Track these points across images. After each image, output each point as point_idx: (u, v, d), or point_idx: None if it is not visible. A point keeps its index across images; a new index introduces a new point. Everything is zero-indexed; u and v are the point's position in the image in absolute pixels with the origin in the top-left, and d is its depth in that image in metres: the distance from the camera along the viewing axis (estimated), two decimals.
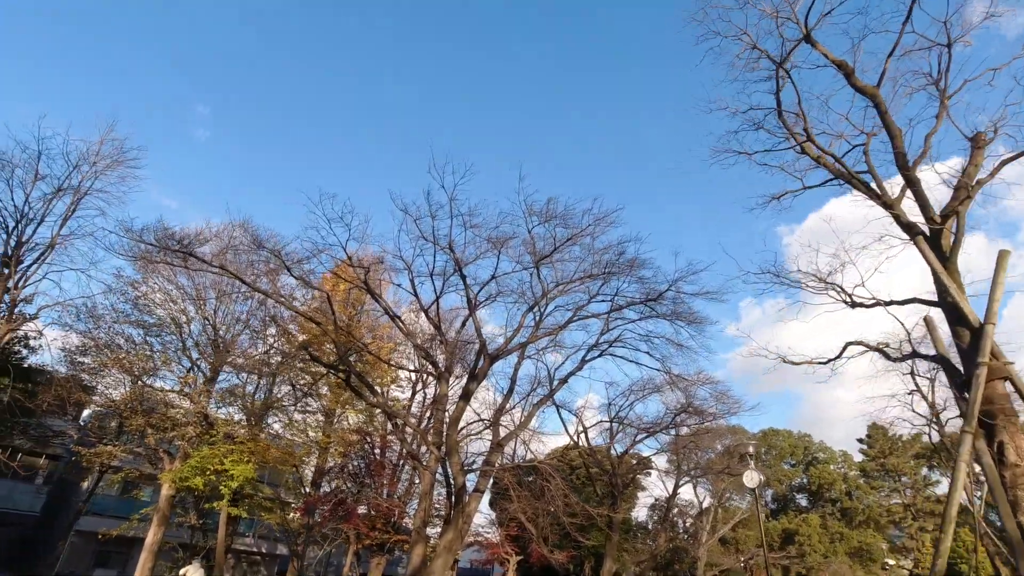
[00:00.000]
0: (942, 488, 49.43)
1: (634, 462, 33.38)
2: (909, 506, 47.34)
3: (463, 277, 18.31)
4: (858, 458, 51.92)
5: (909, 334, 11.43)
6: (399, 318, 20.94)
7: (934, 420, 18.79)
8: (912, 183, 9.19)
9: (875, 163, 9.91)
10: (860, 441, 53.35)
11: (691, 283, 17.65)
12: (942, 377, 19.30)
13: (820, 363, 10.45)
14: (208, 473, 15.95)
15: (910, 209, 9.26)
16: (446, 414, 18.63)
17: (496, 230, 18.78)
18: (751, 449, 14.02)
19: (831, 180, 10.40)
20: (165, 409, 17.07)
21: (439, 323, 21.02)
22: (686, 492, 47.11)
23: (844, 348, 10.33)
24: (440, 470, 19.73)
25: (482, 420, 20.69)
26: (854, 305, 9.69)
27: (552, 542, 29.77)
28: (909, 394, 19.66)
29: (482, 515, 33.54)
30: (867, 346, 10.14)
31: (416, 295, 21.14)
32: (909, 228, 9.21)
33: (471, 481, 21.17)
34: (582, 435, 29.47)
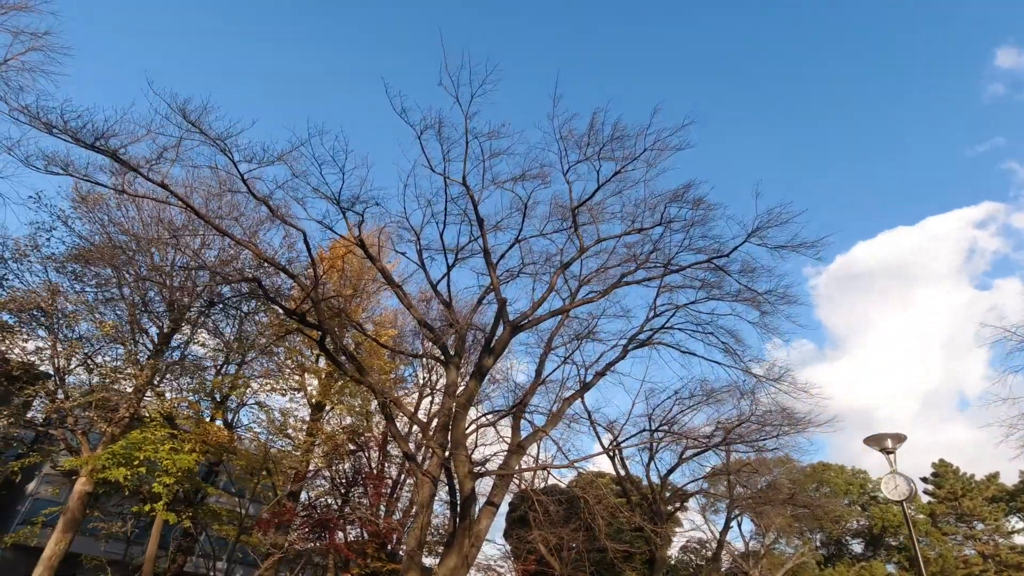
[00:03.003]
0: (1020, 539, 42.85)
1: (667, 494, 28.50)
2: (989, 556, 40.82)
3: (480, 222, 14.37)
4: (923, 500, 45.60)
5: None
6: (400, 287, 17.03)
7: None
8: None
9: None
10: (925, 480, 47.10)
11: (778, 232, 13.41)
12: None
13: None
14: (136, 464, 11.94)
15: None
16: (454, 403, 14.45)
17: (523, 175, 14.99)
18: (889, 443, 9.50)
19: None
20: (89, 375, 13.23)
21: (450, 300, 17.07)
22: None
23: None
24: (444, 478, 15.42)
25: (491, 415, 16.38)
26: None
27: None
28: None
29: (494, 545, 28.67)
30: None
31: (424, 267, 17.32)
32: None
33: (483, 495, 16.86)
34: (616, 451, 24.82)
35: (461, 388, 14.02)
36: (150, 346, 14.50)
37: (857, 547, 48.21)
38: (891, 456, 9.80)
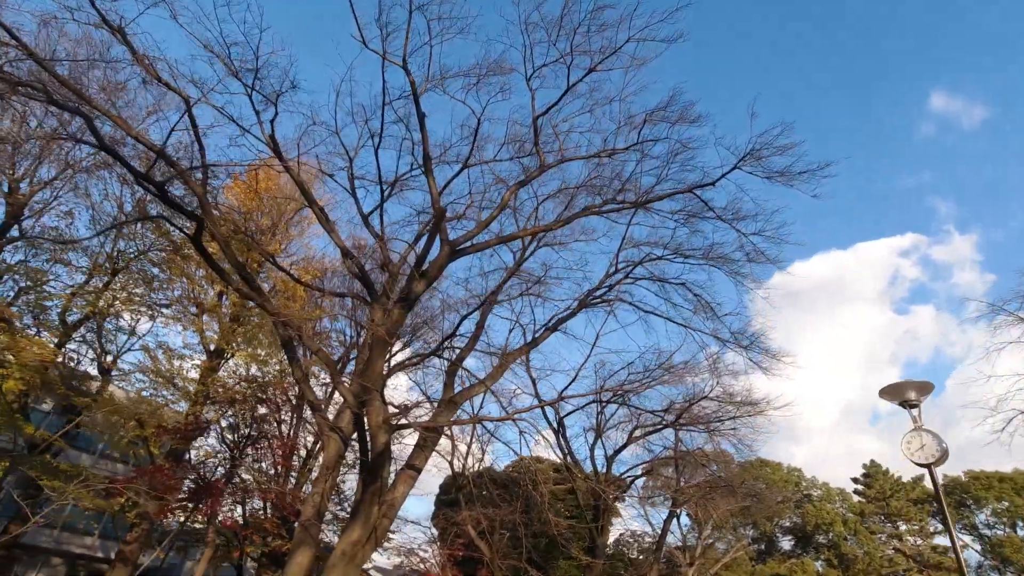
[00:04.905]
0: (944, 540, 43.97)
1: (612, 477, 26.73)
2: (913, 556, 41.49)
3: (420, 118, 11.65)
4: (854, 499, 46.11)
5: None
6: (321, 208, 14.07)
7: None
8: None
9: None
10: (855, 481, 47.71)
11: (775, 161, 11.34)
12: None
13: None
14: None
15: None
16: (372, 335, 11.71)
17: (478, 74, 12.41)
18: (912, 395, 7.51)
19: None
20: None
21: (382, 235, 14.30)
22: (658, 522, 40.44)
23: None
24: (357, 436, 12.66)
25: (416, 358, 13.78)
26: None
27: (506, 569, 22.42)
28: None
29: (419, 528, 25.98)
30: None
31: (354, 196, 14.50)
32: None
33: (400, 460, 14.23)
34: (560, 425, 22.68)
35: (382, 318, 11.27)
36: None
37: (787, 544, 48.39)
38: (915, 410, 7.82)
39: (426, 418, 12.34)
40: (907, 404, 7.87)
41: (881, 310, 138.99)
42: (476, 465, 25.66)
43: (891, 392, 8.04)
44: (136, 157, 11.05)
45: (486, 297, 13.35)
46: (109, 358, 16.49)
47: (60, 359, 13.28)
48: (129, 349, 16.88)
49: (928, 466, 7.40)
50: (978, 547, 44.03)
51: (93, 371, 17.04)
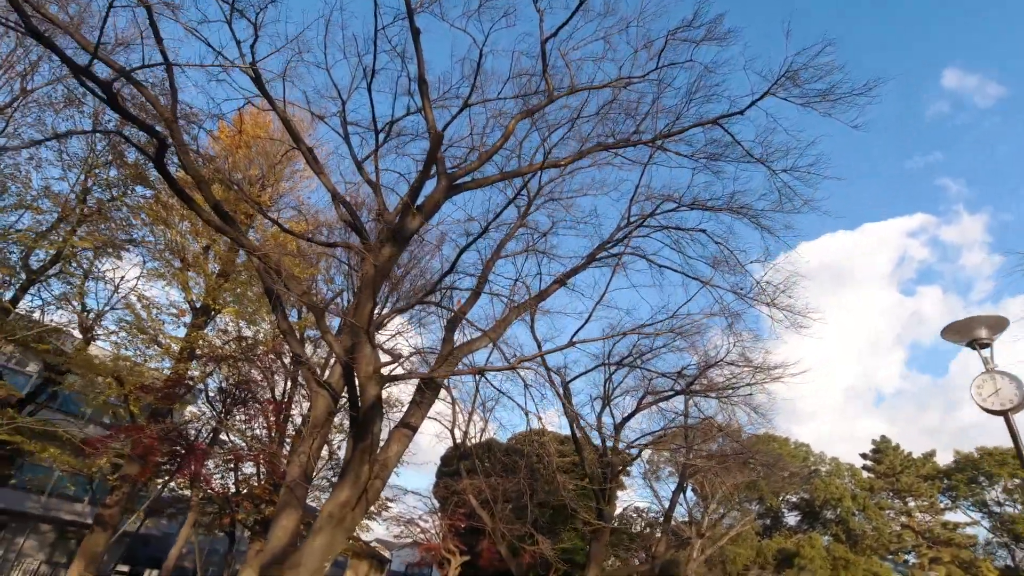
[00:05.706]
0: (954, 516, 43.30)
1: (620, 446, 25.92)
2: (922, 532, 40.87)
3: (415, 34, 10.43)
4: (864, 475, 45.39)
5: None
6: (310, 149, 12.89)
7: None
8: None
9: None
10: (864, 456, 46.98)
11: (813, 83, 10.08)
12: None
13: None
14: None
15: None
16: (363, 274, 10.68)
17: None
18: (983, 332, 6.37)
19: None
20: None
21: (377, 181, 13.13)
22: (665, 495, 39.90)
23: None
24: (347, 389, 11.70)
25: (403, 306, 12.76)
26: None
27: (511, 536, 21.65)
28: None
29: (419, 498, 25.29)
30: None
31: (347, 141, 13.29)
32: None
33: (396, 422, 13.31)
34: (565, 395, 21.73)
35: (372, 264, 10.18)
36: None
37: (792, 520, 47.88)
38: (985, 351, 6.72)
39: (423, 371, 11.35)
40: (977, 344, 6.77)
41: (888, 291, 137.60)
42: (478, 435, 24.93)
43: (957, 331, 6.93)
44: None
45: (484, 229, 12.26)
46: (91, 316, 15.56)
47: (32, 313, 12.39)
48: (112, 308, 15.91)
49: (1005, 413, 6.32)
50: (986, 524, 43.34)
51: (74, 332, 16.17)
